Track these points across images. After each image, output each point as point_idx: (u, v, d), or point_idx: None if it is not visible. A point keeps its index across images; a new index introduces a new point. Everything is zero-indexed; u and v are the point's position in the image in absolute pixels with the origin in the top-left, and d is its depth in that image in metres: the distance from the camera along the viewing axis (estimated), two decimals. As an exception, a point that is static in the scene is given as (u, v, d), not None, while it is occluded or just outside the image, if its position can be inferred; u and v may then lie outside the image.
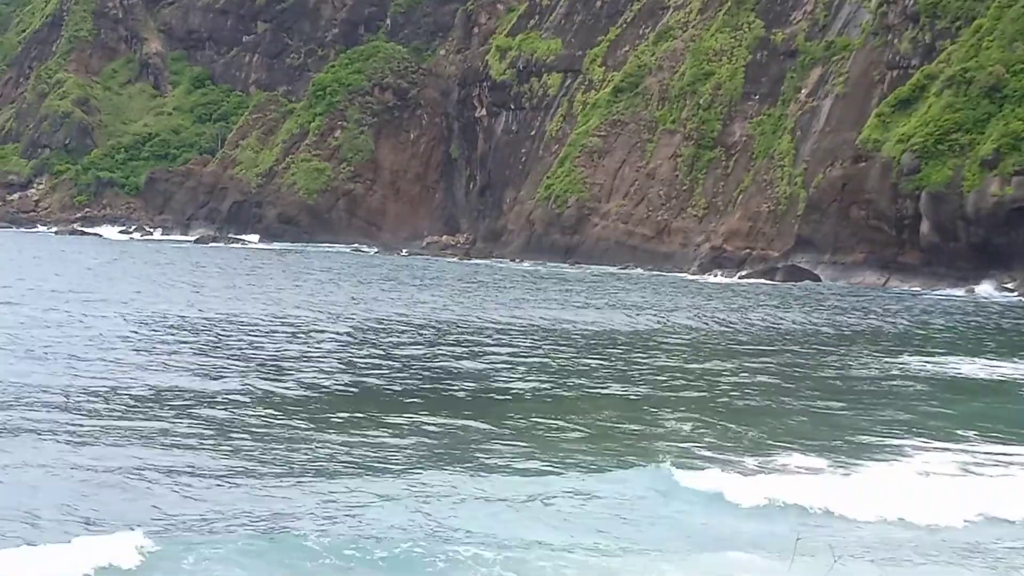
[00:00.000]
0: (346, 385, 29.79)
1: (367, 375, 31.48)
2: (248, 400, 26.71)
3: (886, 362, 39.86)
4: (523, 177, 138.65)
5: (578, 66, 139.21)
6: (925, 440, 25.24)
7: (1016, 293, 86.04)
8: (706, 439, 24.38)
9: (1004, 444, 25.09)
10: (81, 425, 22.65)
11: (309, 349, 36.52)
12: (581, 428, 25.12)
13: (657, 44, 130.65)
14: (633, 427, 25.67)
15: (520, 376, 32.58)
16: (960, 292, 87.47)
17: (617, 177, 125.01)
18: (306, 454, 21.25)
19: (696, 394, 31.01)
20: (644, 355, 39.66)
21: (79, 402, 25.12)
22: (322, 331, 41.75)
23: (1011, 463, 23.12)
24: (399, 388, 29.68)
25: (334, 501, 17.94)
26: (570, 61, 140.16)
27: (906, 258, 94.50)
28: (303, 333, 41.06)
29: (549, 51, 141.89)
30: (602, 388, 31.31)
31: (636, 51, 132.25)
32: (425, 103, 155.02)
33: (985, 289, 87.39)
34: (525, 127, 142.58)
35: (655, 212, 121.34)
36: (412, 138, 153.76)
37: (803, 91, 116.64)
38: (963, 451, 24.09)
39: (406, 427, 24.18)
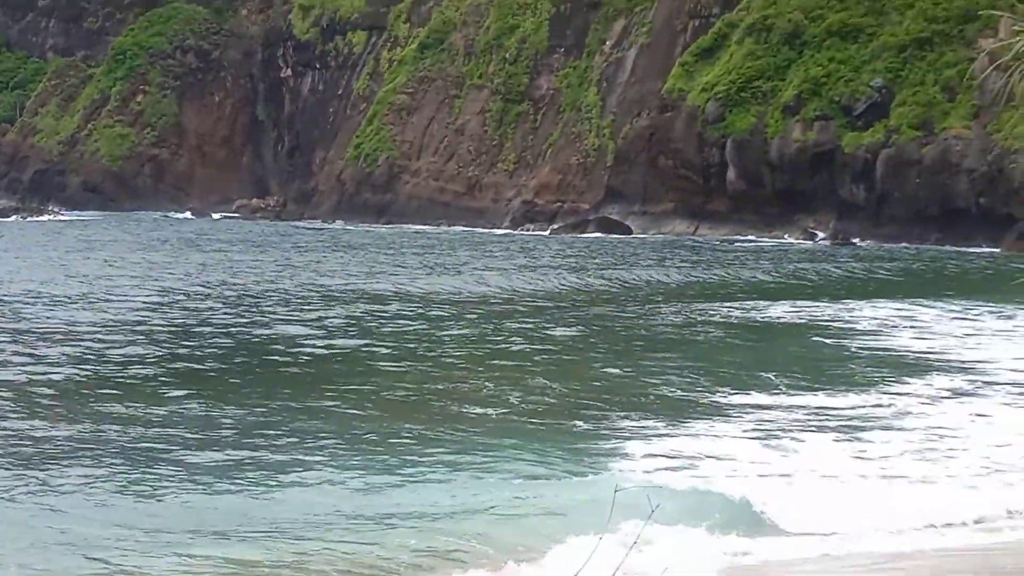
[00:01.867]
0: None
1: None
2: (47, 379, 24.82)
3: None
4: (332, 137, 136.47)
5: (383, 23, 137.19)
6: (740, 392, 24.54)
7: (822, 236, 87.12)
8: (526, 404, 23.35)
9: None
10: None
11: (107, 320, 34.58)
12: (394, 398, 23.89)
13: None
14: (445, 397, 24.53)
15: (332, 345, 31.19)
16: (764, 239, 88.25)
17: (426, 134, 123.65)
18: None
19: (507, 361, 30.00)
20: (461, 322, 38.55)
21: None
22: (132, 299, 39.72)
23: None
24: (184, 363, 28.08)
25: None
26: (375, 18, 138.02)
27: (714, 206, 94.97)
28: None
29: (353, 8, 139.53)
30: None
31: (440, 7, 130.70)
32: (229, 65, 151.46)
33: (795, 235, 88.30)
34: (332, 86, 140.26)
35: (466, 168, 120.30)
36: (217, 101, 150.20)
37: (608, 43, 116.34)
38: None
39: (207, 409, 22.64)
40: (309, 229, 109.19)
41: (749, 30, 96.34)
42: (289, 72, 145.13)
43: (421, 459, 18.76)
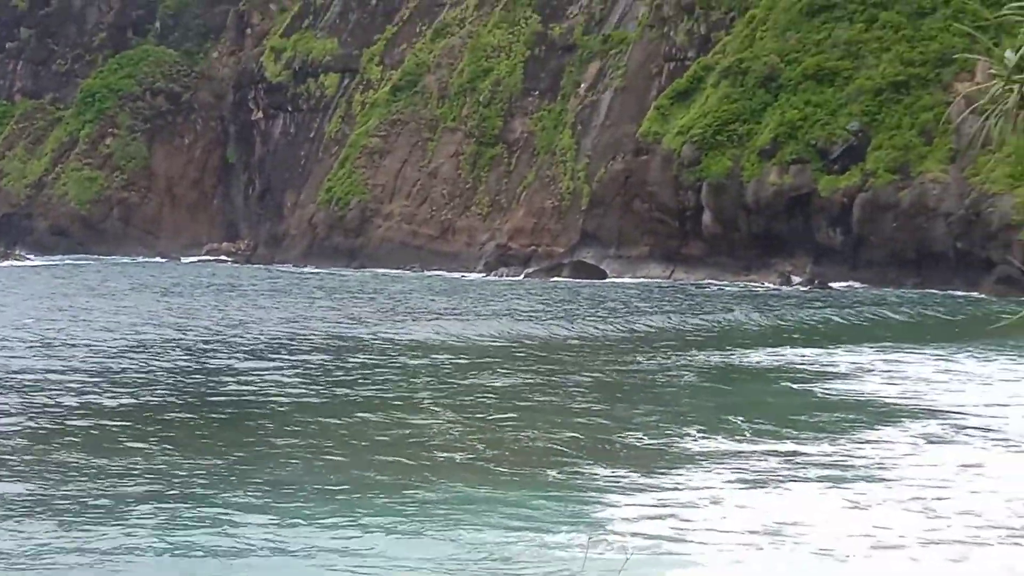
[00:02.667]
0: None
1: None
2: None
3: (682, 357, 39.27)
4: (303, 180, 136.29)
5: (355, 66, 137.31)
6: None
7: (798, 280, 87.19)
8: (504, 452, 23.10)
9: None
10: None
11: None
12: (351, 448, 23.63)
13: (435, 41, 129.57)
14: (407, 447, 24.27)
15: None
16: (740, 283, 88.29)
17: (399, 177, 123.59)
18: None
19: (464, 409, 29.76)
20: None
21: None
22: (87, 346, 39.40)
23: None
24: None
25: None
26: (347, 61, 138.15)
27: (690, 250, 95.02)
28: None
29: (325, 51, 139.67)
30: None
31: (414, 49, 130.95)
32: (199, 107, 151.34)
33: (772, 279, 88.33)
34: (303, 129, 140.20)
35: (439, 212, 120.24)
36: (187, 143, 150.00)
37: (582, 85, 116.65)
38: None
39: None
40: (282, 271, 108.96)
41: (725, 73, 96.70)
42: (260, 114, 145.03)
43: (390, 510, 18.50)
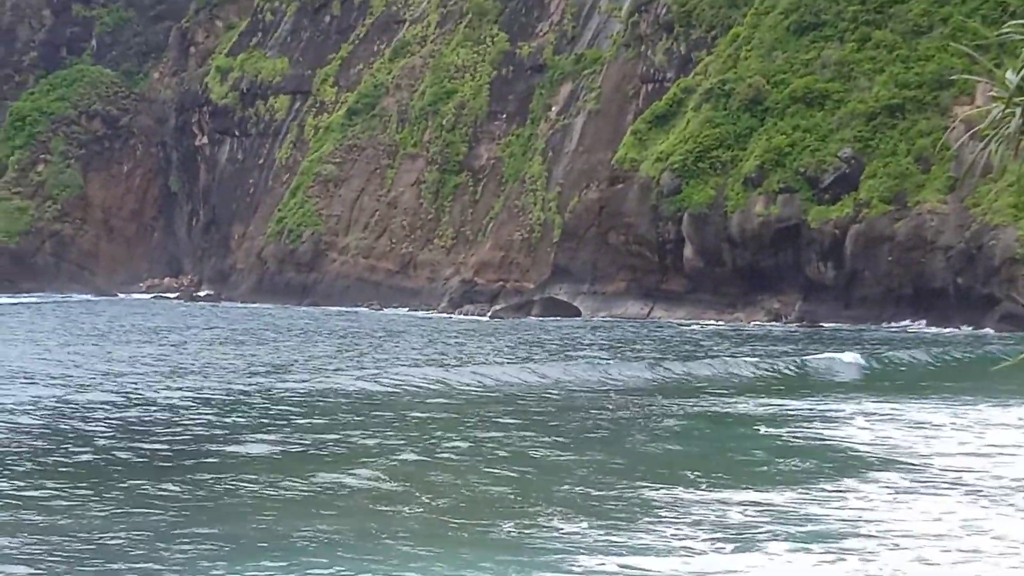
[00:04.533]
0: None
1: None
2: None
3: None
4: (252, 211, 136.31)
5: (308, 87, 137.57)
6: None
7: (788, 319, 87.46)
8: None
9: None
10: None
11: None
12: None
13: (394, 61, 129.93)
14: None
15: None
16: (723, 321, 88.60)
17: (356, 207, 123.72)
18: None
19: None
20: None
21: None
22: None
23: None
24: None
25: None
26: (299, 82, 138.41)
27: (670, 285, 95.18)
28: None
29: (275, 71, 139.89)
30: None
31: (371, 69, 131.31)
32: (139, 132, 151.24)
33: (758, 317, 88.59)
34: (252, 155, 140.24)
35: (399, 244, 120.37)
36: (126, 171, 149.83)
37: (553, 108, 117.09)
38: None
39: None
40: (231, 309, 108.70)
41: (707, 95, 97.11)
42: (205, 140, 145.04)
43: (334, 568, 18.45)
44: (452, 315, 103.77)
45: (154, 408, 37.87)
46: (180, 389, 42.58)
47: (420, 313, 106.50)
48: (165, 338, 71.62)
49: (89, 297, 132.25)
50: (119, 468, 27.67)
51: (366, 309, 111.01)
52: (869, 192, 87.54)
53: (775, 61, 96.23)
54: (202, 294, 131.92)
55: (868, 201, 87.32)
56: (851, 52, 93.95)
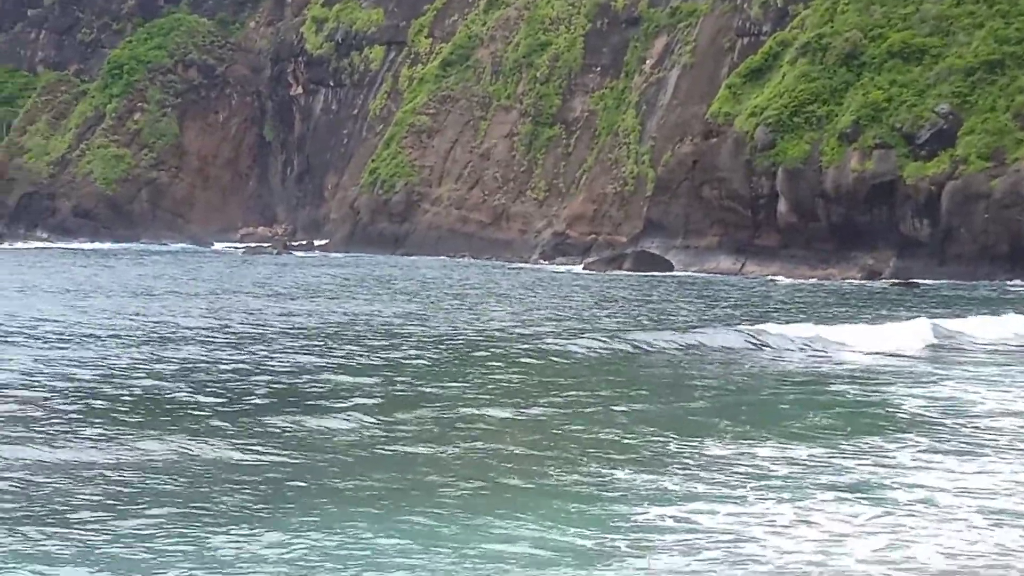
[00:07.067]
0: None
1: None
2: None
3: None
4: (345, 161, 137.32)
5: (402, 38, 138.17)
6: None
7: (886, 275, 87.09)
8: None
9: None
10: None
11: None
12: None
13: (488, 12, 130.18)
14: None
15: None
16: (816, 277, 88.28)
17: (449, 159, 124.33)
18: None
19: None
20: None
21: None
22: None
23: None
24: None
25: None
26: (393, 32, 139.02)
27: (763, 241, 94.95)
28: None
29: (370, 22, 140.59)
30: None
31: (466, 20, 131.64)
32: (234, 81, 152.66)
33: (852, 274, 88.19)
34: (346, 106, 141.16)
35: (491, 196, 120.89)
36: (221, 120, 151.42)
37: (648, 62, 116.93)
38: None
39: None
40: (339, 259, 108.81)
41: (803, 50, 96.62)
42: (300, 90, 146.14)
43: (397, 528, 18.32)
44: (544, 265, 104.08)
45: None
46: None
47: (511, 264, 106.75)
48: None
49: (185, 245, 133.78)
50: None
51: (457, 259, 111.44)
52: (966, 149, 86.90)
53: (873, 15, 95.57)
54: (295, 243, 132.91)
55: (965, 158, 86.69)
56: (950, 6, 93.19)
